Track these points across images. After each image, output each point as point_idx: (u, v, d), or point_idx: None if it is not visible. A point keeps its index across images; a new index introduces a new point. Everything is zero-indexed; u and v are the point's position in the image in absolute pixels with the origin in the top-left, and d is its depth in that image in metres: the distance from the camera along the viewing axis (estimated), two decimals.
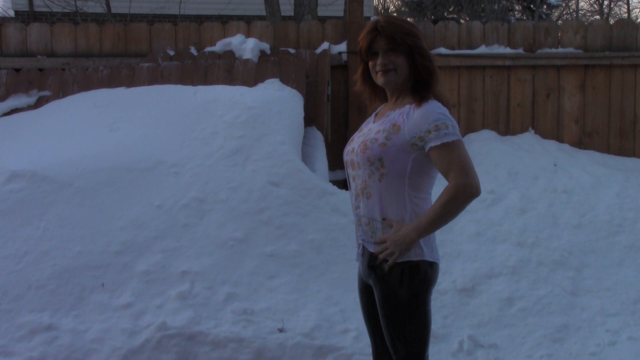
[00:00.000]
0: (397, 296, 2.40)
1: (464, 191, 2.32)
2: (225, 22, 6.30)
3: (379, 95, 2.61)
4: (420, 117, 2.36)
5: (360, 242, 2.54)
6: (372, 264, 2.47)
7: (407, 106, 2.43)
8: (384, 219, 2.44)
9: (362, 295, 2.63)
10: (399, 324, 2.42)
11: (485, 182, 5.29)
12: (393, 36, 2.41)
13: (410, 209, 2.42)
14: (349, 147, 2.56)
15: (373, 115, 2.64)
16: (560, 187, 5.30)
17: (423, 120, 2.35)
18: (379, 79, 2.48)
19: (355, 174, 2.51)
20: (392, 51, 2.42)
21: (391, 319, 2.43)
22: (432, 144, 2.33)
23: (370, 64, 2.50)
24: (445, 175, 2.36)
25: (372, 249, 2.49)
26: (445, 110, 2.39)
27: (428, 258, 2.43)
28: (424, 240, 2.42)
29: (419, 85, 2.45)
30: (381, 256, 2.41)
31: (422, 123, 2.35)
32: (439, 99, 2.44)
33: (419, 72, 2.44)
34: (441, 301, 4.08)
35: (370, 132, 2.50)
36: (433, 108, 2.38)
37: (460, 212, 2.38)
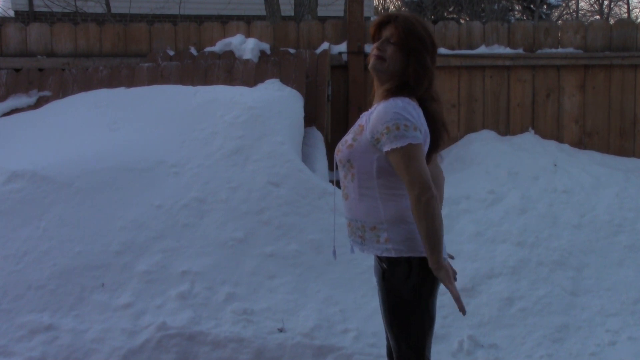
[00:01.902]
0: (402, 292, 2.38)
1: (419, 205, 2.23)
2: (225, 22, 6.29)
3: None
4: (377, 116, 2.32)
5: (351, 243, 2.54)
6: (377, 262, 2.47)
7: (375, 105, 2.41)
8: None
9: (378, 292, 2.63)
10: (403, 321, 2.40)
11: (485, 182, 5.30)
12: (399, 30, 2.38)
13: (384, 207, 2.37)
14: (336, 148, 2.56)
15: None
16: (560, 187, 5.29)
17: (379, 119, 2.30)
18: (369, 62, 2.44)
19: (339, 175, 2.53)
20: (392, 43, 2.39)
21: (396, 315, 2.41)
22: (386, 148, 2.28)
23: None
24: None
25: (358, 249, 2.49)
26: (403, 107, 2.29)
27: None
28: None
29: (402, 87, 2.39)
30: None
31: (377, 123, 2.30)
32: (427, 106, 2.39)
33: (408, 76, 2.38)
34: (441, 301, 4.04)
35: (348, 133, 2.50)
36: (390, 106, 2.30)
37: (434, 215, 2.25)
